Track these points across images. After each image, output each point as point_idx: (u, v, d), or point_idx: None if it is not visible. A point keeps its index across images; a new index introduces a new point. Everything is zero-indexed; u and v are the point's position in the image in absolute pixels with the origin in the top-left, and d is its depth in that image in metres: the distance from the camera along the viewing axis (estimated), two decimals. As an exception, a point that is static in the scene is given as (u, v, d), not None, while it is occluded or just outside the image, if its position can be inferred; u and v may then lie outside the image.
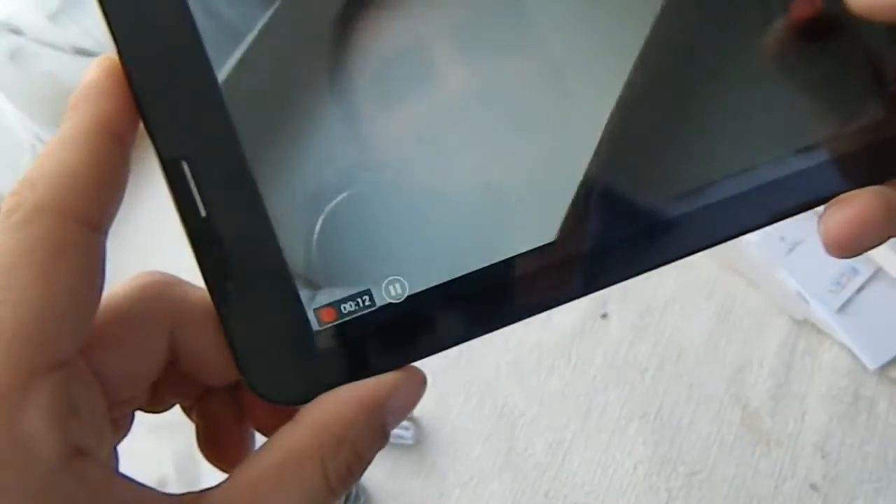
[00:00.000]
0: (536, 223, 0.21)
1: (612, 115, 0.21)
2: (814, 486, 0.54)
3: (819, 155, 0.22)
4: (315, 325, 0.20)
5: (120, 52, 0.19)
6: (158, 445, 0.56)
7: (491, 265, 0.21)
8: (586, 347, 0.60)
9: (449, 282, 0.21)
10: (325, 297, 0.20)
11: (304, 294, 0.20)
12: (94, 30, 0.74)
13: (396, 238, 0.21)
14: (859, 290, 0.58)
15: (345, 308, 0.20)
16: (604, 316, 0.61)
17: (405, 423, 0.57)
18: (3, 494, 0.15)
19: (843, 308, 0.57)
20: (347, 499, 0.54)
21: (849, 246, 0.20)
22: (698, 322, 0.60)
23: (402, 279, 0.21)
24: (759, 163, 0.22)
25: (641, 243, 0.21)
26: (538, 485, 0.55)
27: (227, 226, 0.20)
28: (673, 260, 0.21)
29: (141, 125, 0.19)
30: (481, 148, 0.21)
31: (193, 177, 0.20)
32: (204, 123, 0.20)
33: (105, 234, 0.18)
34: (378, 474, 0.57)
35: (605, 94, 0.21)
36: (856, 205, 0.20)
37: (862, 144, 0.22)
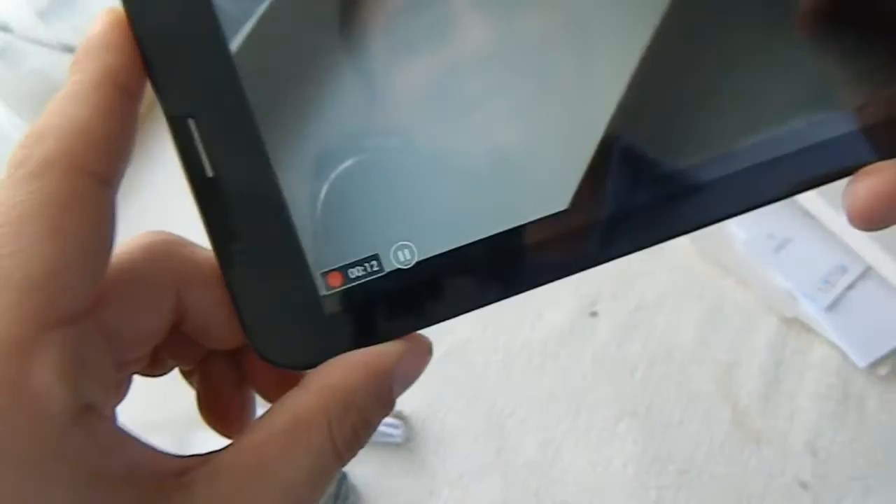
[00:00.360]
0: (551, 189, 0.20)
1: (635, 74, 0.20)
2: (803, 484, 0.54)
3: (848, 123, 0.20)
4: (322, 290, 0.20)
5: (125, 3, 0.19)
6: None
7: (502, 232, 0.20)
8: (576, 346, 0.60)
9: (459, 248, 0.20)
10: (332, 261, 0.20)
11: (311, 258, 0.20)
12: (83, 27, 0.74)
13: (407, 203, 0.20)
14: (849, 288, 0.58)
15: (352, 273, 0.20)
16: (593, 314, 0.61)
17: (394, 421, 0.57)
18: (13, 447, 0.15)
19: (832, 306, 0.57)
20: (336, 498, 0.54)
21: (874, 218, 0.19)
22: (688, 320, 0.60)
23: (411, 244, 0.20)
24: (784, 130, 0.21)
25: (660, 211, 0.20)
26: (528, 483, 0.55)
27: (235, 187, 0.19)
28: (693, 229, 0.20)
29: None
30: (496, 108, 0.21)
31: (200, 135, 0.19)
32: (211, 80, 0.19)
33: (115, 188, 0.18)
34: (367, 473, 0.57)
35: (627, 53, 0.20)
36: (883, 176, 0.19)
37: (892, 113, 0.20)
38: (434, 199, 0.20)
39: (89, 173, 0.17)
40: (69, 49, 0.72)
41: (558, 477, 0.55)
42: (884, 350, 0.56)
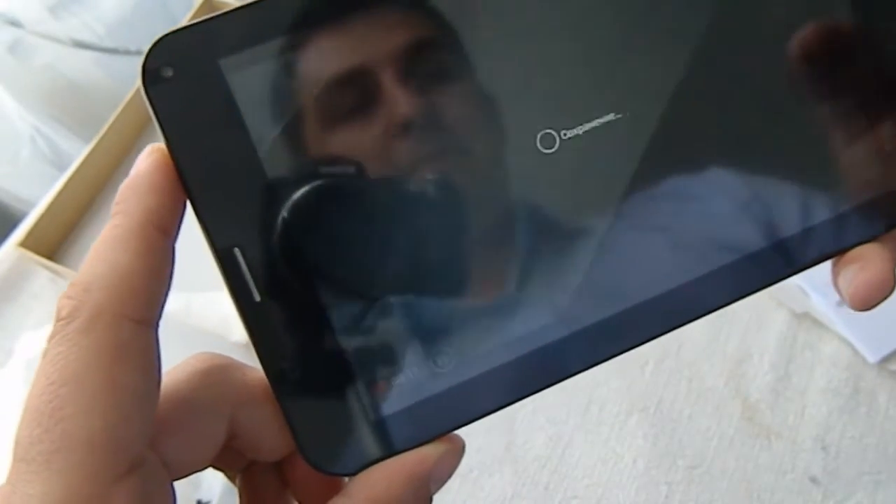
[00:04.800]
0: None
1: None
2: (814, 480, 0.54)
3: (824, 214, 0.23)
4: (367, 399, 0.21)
5: (170, 147, 0.19)
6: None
7: (524, 335, 0.22)
8: (586, 341, 0.60)
9: (486, 352, 0.22)
10: (376, 372, 0.21)
11: (356, 369, 0.21)
12: (93, 23, 0.74)
13: (441, 314, 0.22)
14: (860, 283, 0.57)
15: (395, 381, 0.21)
16: (604, 309, 0.61)
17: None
18: None
19: (843, 301, 0.57)
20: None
21: (871, 304, 0.23)
22: (698, 316, 0.60)
23: (445, 351, 0.22)
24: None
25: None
26: (538, 478, 0.55)
27: (281, 309, 0.20)
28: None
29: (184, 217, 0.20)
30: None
31: (246, 263, 0.20)
32: (252, 212, 0.20)
33: (157, 326, 0.19)
34: (378, 467, 0.57)
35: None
36: (873, 267, 0.23)
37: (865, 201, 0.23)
38: (464, 310, 0.22)
39: (134, 319, 0.18)
40: (79, 44, 0.72)
41: (568, 472, 0.55)
42: (895, 345, 0.56)
